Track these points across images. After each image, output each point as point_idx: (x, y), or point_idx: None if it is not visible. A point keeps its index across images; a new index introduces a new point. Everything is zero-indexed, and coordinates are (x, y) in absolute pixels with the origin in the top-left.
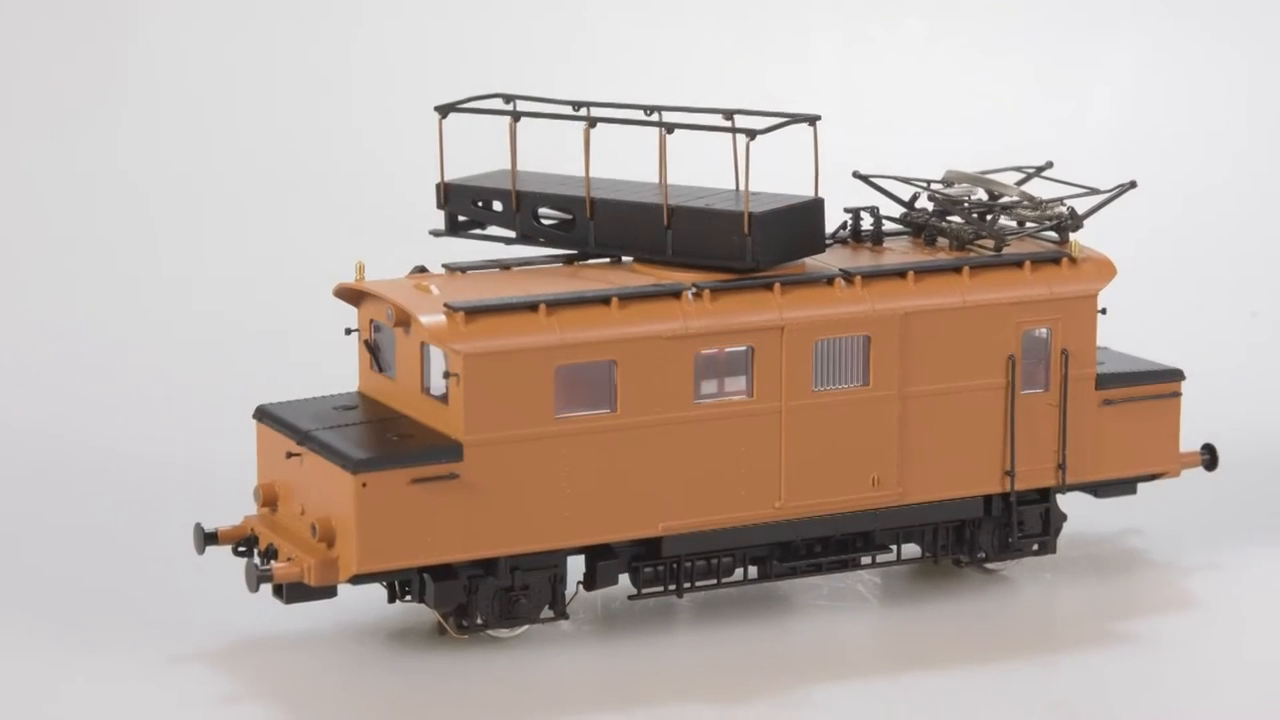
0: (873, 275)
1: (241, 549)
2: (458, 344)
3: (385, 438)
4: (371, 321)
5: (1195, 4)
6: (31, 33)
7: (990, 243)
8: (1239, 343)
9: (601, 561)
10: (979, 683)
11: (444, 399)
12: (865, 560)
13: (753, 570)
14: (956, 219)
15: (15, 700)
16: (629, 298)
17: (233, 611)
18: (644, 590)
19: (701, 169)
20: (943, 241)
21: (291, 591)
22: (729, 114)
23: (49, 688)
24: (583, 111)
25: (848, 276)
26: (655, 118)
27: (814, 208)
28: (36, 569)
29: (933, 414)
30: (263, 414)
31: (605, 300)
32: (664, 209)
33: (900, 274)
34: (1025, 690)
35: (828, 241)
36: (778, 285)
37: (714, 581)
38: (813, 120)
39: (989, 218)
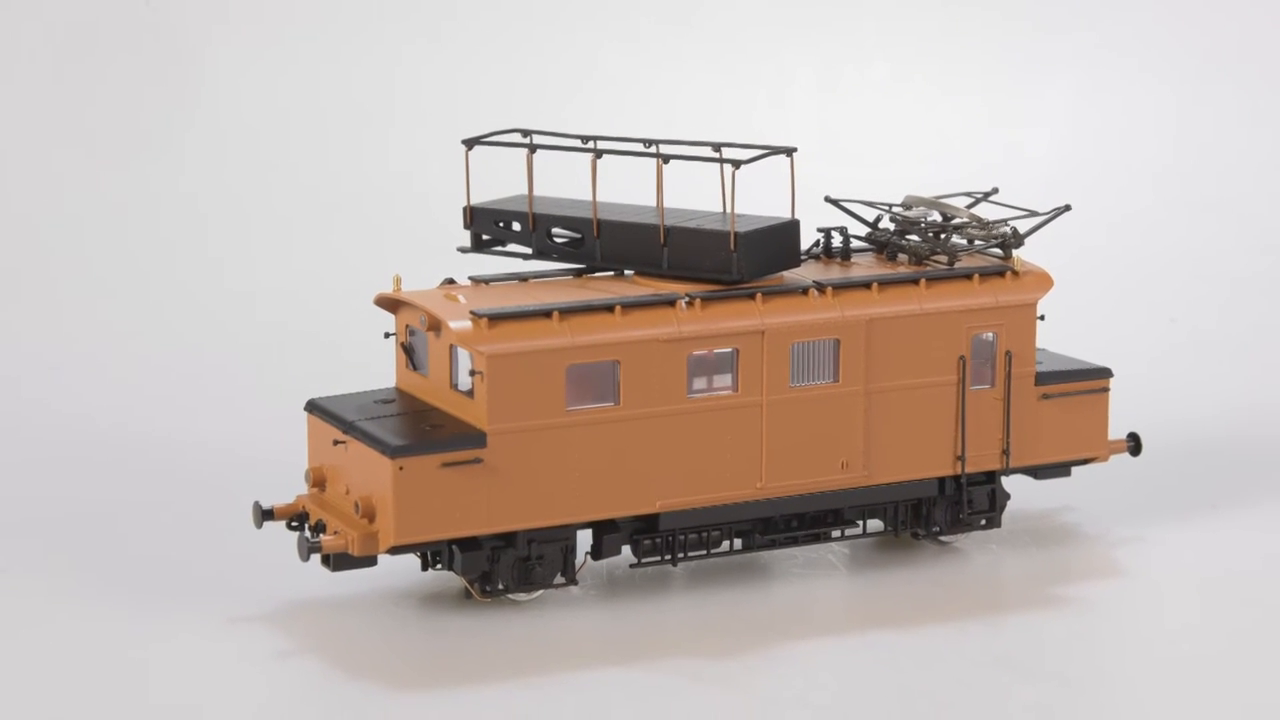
0: (842, 286)
1: (294, 524)
2: (482, 346)
3: (419, 427)
4: (407, 326)
5: (1124, 50)
6: (110, 74)
7: (944, 258)
8: (1159, 345)
9: (607, 534)
10: (934, 640)
11: (470, 394)
12: (835, 534)
13: (738, 542)
14: (915, 237)
15: (99, 652)
16: (630, 306)
17: (286, 578)
18: (643, 560)
19: (693, 194)
20: (903, 257)
21: (338, 561)
22: (717, 146)
23: (127, 642)
24: (590, 144)
25: (820, 287)
26: (653, 150)
27: (791, 228)
28: (116, 542)
29: (894, 407)
30: (313, 407)
31: (610, 308)
32: (661, 229)
33: (866, 285)
34: (975, 646)
35: (803, 257)
36: (759, 295)
37: (704, 552)
38: (790, 152)
39: (943, 236)
